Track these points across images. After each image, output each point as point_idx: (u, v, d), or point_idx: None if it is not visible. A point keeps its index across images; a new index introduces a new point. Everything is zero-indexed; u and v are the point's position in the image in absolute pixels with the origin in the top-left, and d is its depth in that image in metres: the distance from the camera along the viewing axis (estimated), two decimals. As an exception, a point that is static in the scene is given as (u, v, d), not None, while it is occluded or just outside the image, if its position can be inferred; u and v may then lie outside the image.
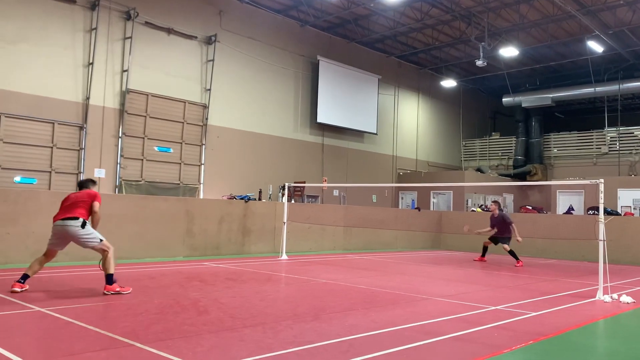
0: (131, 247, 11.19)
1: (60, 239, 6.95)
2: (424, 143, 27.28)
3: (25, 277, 6.77)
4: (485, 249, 13.99)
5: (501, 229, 13.30)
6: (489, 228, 13.59)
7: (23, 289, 6.69)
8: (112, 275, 6.83)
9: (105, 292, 6.74)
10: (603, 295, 7.83)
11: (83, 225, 6.84)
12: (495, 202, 13.80)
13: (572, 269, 12.51)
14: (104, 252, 6.93)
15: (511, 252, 13.13)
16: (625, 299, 7.65)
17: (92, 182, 7.53)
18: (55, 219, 6.98)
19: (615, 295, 7.82)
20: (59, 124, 14.56)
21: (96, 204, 7.01)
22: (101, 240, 6.97)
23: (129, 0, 15.88)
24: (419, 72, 26.65)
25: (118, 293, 6.76)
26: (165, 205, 11.98)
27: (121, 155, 15.69)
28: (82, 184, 7.47)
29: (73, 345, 4.38)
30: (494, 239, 13.63)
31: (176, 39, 17.14)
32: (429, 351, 4.61)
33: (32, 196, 10.21)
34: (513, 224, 13.15)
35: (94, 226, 7.03)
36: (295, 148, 20.81)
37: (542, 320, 6.14)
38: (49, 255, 7.01)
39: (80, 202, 7.00)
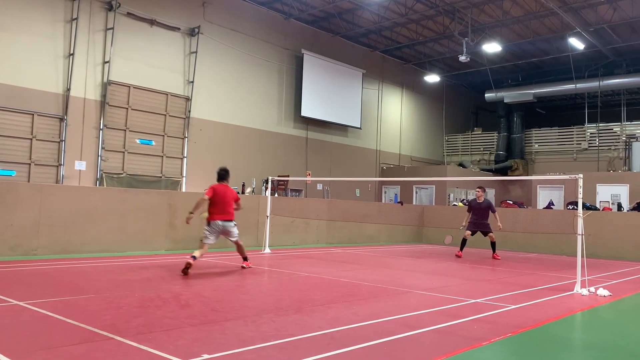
0: (113, 240, 11.09)
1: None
2: (407, 137, 27.40)
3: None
4: (464, 243, 13.40)
5: (483, 217, 13.06)
6: (467, 215, 13.27)
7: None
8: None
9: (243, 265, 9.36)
10: (581, 288, 7.96)
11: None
12: (481, 187, 13.36)
13: (551, 263, 12.70)
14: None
15: (493, 244, 13.19)
16: (602, 292, 7.80)
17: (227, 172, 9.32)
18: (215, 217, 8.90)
19: (592, 289, 7.97)
20: (38, 115, 14.33)
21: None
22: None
23: (110, -9, 15.66)
24: (403, 67, 26.73)
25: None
26: (147, 199, 11.88)
27: (102, 148, 15.51)
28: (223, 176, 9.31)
29: (52, 338, 4.34)
30: (473, 232, 13.23)
31: (159, 31, 16.95)
32: (410, 343, 4.66)
33: (11, 188, 10.05)
34: (496, 212, 13.16)
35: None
36: (279, 142, 20.76)
37: (521, 313, 6.23)
38: None
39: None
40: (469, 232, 13.28)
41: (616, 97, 27.84)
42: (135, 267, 9.00)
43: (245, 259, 9.44)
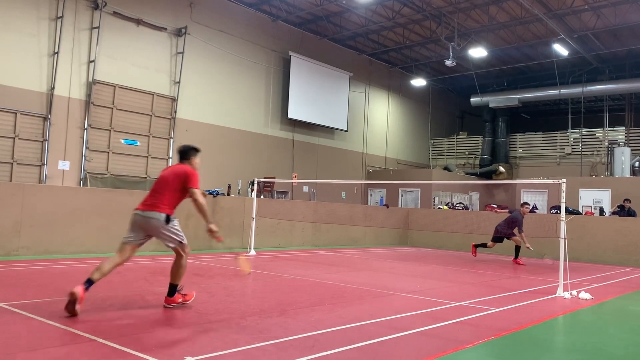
0: (96, 241, 10.98)
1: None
2: (394, 141, 27.52)
3: None
4: (483, 246, 13.54)
5: (508, 229, 13.08)
6: (522, 232, 13.03)
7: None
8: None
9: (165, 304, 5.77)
10: (563, 292, 8.04)
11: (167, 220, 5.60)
12: (526, 203, 13.32)
13: (533, 267, 12.82)
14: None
15: (517, 248, 13.20)
16: (584, 295, 7.89)
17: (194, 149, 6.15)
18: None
19: (574, 292, 8.06)
20: (21, 114, 14.15)
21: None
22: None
23: (96, -11, 15.54)
24: (389, 71, 26.84)
25: (182, 304, 5.83)
26: (131, 199, 11.75)
27: (86, 148, 15.36)
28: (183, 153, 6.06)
29: (32, 340, 4.29)
30: (499, 238, 13.30)
31: (145, 30, 16.84)
32: (394, 346, 4.67)
33: (-8, 188, 9.90)
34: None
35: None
36: (266, 143, 20.72)
37: (504, 316, 6.28)
38: None
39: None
40: (494, 243, 13.40)
41: (599, 103, 28.25)
42: (119, 268, 8.88)
43: (172, 290, 5.75)
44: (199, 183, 5.83)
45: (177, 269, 5.76)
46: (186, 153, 6.06)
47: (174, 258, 5.83)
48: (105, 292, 6.48)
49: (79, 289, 5.10)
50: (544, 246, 14.87)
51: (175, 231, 5.68)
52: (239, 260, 6.51)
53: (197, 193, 5.71)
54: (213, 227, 5.72)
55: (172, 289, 5.76)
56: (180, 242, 5.73)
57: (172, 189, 5.71)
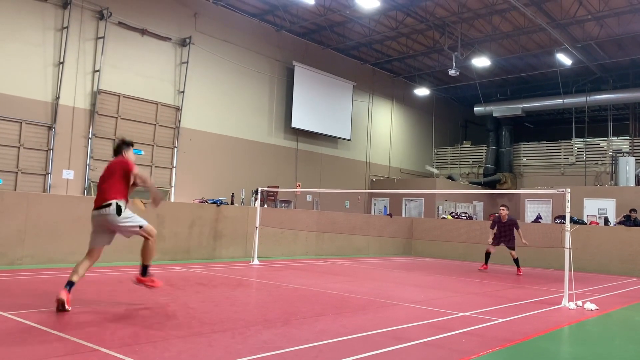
0: (99, 250, 10.97)
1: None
2: (397, 150, 27.52)
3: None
4: (487, 256, 13.69)
5: (508, 235, 13.18)
6: (491, 231, 13.36)
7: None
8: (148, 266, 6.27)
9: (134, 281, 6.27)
10: (568, 302, 7.99)
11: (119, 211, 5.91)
12: (505, 206, 13.48)
13: (538, 277, 12.75)
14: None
15: (516, 260, 13.20)
16: (590, 306, 7.83)
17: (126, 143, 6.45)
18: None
19: (579, 303, 8.00)
20: (26, 123, 14.22)
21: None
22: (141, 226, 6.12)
23: (102, 0, 15.65)
24: (393, 80, 26.90)
25: (149, 286, 6.30)
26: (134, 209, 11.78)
27: (91, 157, 15.41)
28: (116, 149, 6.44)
29: (36, 350, 4.27)
30: (497, 244, 13.39)
31: (150, 40, 16.94)
32: (399, 356, 4.64)
33: (-3, 197, 9.93)
34: (520, 229, 13.19)
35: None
36: (269, 152, 20.75)
37: (509, 327, 6.24)
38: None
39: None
40: (492, 247, 13.49)
41: (603, 112, 28.21)
42: (121, 277, 8.90)
43: (144, 270, 6.25)
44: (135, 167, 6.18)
45: (145, 251, 6.22)
46: (119, 147, 6.42)
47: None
48: (108, 301, 6.47)
49: (63, 294, 5.66)
50: (549, 255, 14.81)
51: (129, 221, 6.03)
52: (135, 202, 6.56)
53: (139, 170, 6.14)
54: (154, 189, 6.25)
55: (144, 269, 6.24)
56: (140, 227, 6.10)
57: (116, 178, 6.05)
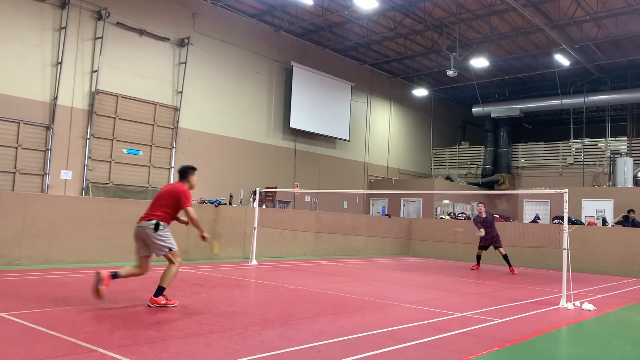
0: (98, 250, 10.97)
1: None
2: (395, 150, 27.53)
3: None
4: (479, 258, 13.98)
5: (492, 233, 13.32)
6: (481, 229, 13.34)
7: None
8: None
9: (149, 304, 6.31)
10: (566, 302, 8.00)
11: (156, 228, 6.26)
12: (482, 203, 13.68)
13: (536, 277, 12.76)
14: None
15: (505, 257, 13.27)
16: (587, 306, 7.84)
17: (192, 168, 6.75)
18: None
19: (577, 303, 8.01)
20: (24, 123, 14.20)
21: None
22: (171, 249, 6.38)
23: (100, 0, 15.63)
24: (391, 81, 26.92)
25: (163, 306, 6.28)
26: (133, 209, 11.75)
27: (89, 157, 15.38)
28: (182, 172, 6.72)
29: (34, 350, 4.27)
30: (484, 247, 13.68)
31: (148, 41, 16.93)
32: (397, 357, 4.64)
33: (-5, 197, 9.91)
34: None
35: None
36: (268, 153, 20.75)
37: (507, 327, 6.24)
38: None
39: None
40: (481, 250, 13.77)
41: (601, 113, 28.25)
42: (120, 278, 8.88)
43: (158, 291, 6.33)
44: (190, 201, 6.51)
45: (167, 273, 6.35)
46: (185, 172, 6.72)
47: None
48: (106, 302, 6.46)
49: (105, 272, 5.98)
50: (547, 256, 14.84)
51: (164, 239, 6.30)
52: (213, 243, 7.16)
53: (191, 211, 6.39)
54: (205, 234, 6.59)
55: (159, 291, 6.30)
56: (170, 249, 6.34)
57: (166, 205, 6.42)
